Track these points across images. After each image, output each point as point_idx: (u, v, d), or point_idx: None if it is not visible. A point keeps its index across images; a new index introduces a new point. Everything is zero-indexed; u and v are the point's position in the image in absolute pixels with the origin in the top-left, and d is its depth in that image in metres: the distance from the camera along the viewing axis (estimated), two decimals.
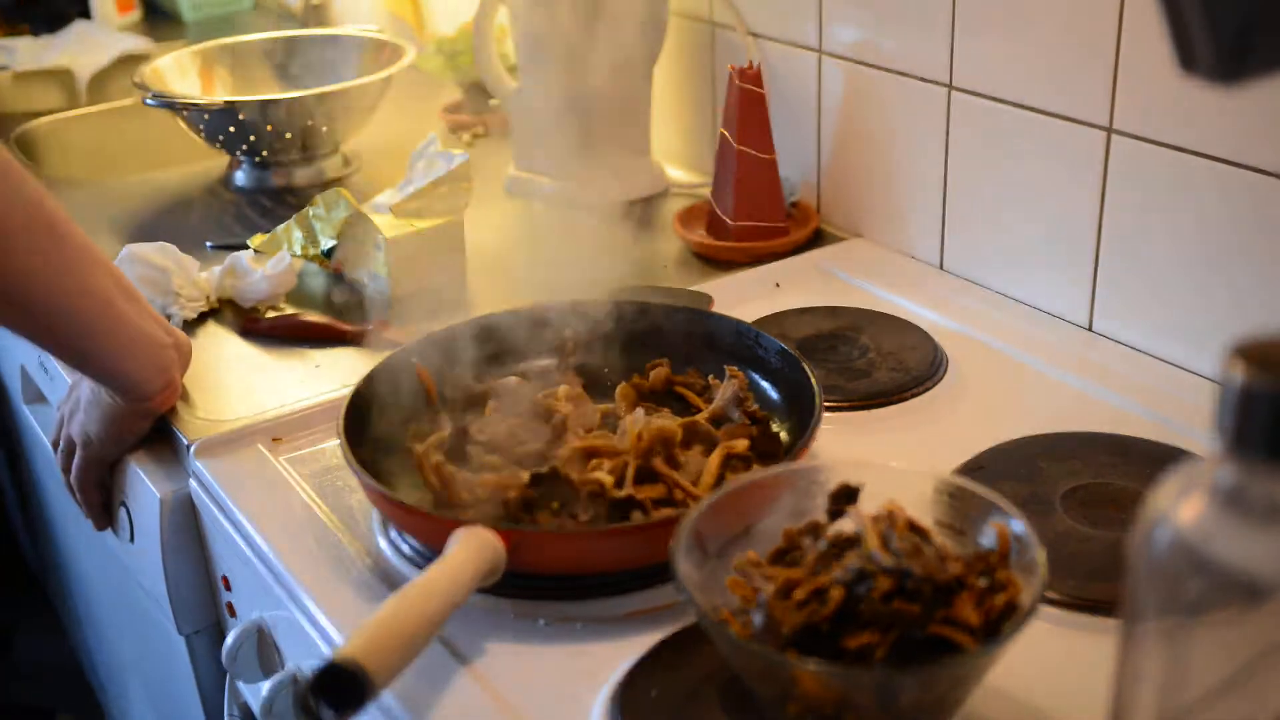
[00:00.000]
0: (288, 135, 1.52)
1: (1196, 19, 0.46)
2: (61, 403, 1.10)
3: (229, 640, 0.94)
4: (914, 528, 0.66)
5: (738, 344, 1.01)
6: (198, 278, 1.22)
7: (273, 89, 1.72)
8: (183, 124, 1.57)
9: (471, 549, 0.74)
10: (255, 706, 0.99)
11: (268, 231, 1.30)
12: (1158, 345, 1.06)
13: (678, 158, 1.57)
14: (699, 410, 0.94)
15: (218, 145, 1.56)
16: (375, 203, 1.29)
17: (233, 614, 1.02)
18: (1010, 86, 1.12)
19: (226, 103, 1.50)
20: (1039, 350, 1.09)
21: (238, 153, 1.57)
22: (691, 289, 1.14)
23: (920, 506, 0.69)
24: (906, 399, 1.03)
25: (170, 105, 1.52)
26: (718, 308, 1.07)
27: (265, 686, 0.88)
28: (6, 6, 2.27)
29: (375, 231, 1.24)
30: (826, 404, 0.93)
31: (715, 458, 0.87)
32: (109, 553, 1.25)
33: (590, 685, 0.73)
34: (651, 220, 1.44)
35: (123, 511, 1.09)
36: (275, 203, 1.52)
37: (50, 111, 1.85)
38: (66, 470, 1.09)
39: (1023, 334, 1.11)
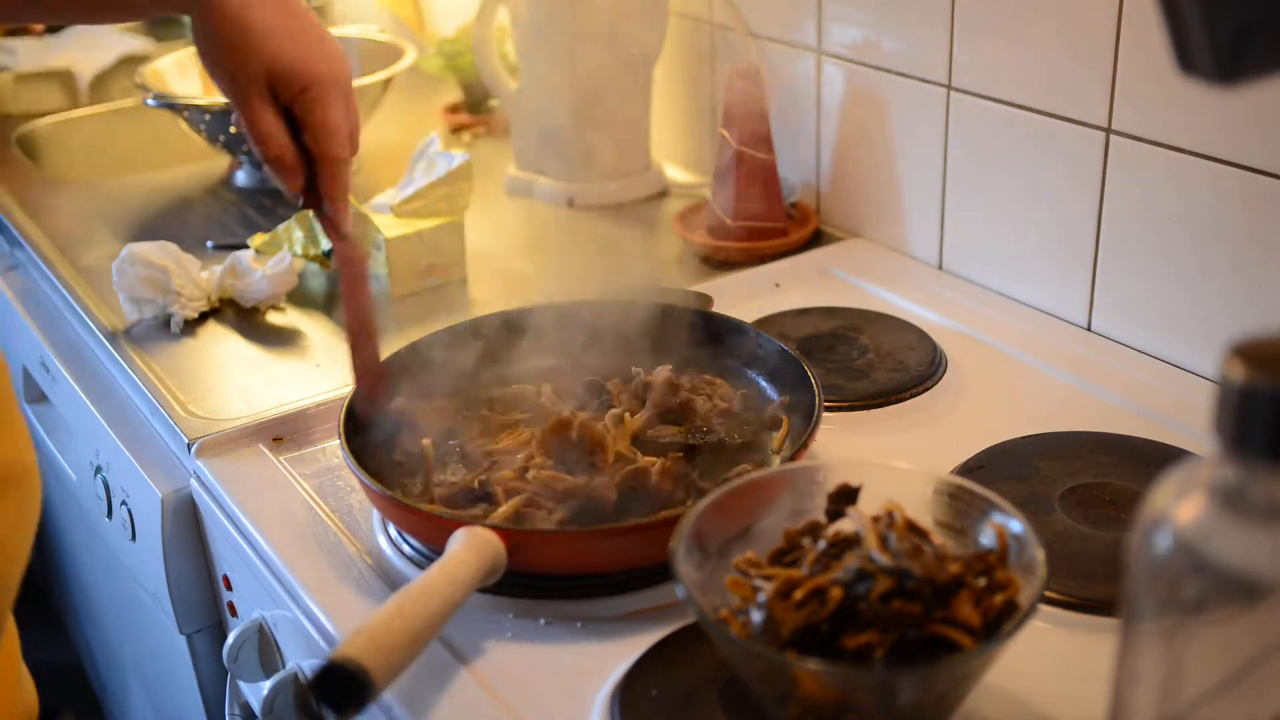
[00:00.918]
0: None
1: (1195, 20, 0.46)
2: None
3: (230, 640, 0.94)
4: (913, 528, 0.66)
5: (738, 344, 1.01)
6: (198, 277, 1.22)
7: None
8: (184, 124, 1.57)
9: (472, 549, 0.75)
10: (256, 706, 0.99)
11: (268, 231, 1.30)
12: (1156, 345, 1.06)
13: (678, 158, 1.57)
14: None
15: (219, 145, 1.56)
16: (375, 203, 1.29)
17: (234, 613, 1.02)
18: (1009, 87, 1.12)
19: (227, 104, 1.50)
20: (1038, 350, 1.09)
21: (239, 153, 1.57)
22: (691, 289, 1.14)
23: (919, 506, 0.69)
24: (906, 399, 1.03)
25: (171, 106, 1.52)
26: (718, 308, 1.07)
27: (266, 686, 0.88)
28: None
29: (375, 231, 1.24)
30: (826, 404, 0.93)
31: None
32: (110, 552, 1.25)
33: (590, 685, 0.73)
34: (651, 220, 1.44)
35: (123, 511, 1.09)
36: (276, 203, 1.52)
37: (51, 112, 1.85)
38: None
39: (1022, 334, 1.12)
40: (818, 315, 1.16)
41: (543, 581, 0.81)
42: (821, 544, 0.66)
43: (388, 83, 1.58)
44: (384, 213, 1.27)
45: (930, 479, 0.71)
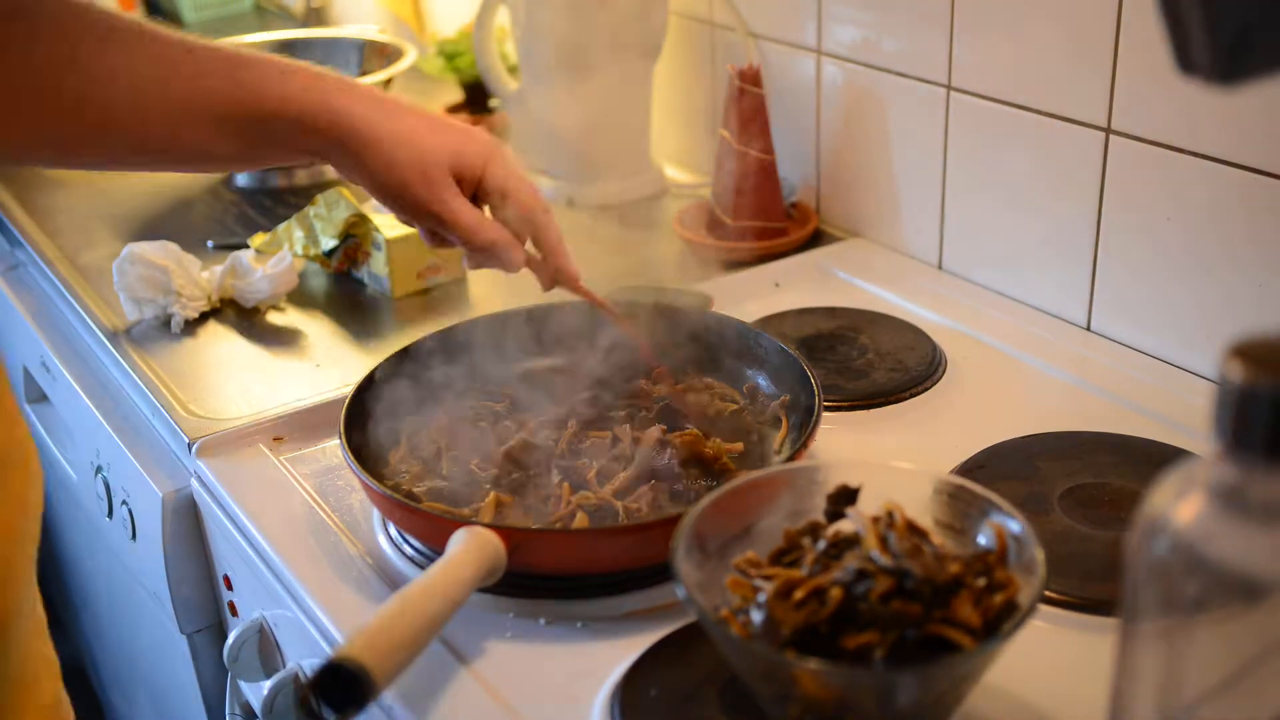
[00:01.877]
0: None
1: (1195, 20, 0.46)
2: None
3: (230, 639, 0.94)
4: (913, 528, 0.66)
5: (738, 344, 1.01)
6: (199, 277, 1.22)
7: None
8: None
9: (472, 549, 0.75)
10: (257, 706, 0.99)
11: (269, 231, 1.30)
12: (1156, 345, 1.06)
13: (678, 158, 1.57)
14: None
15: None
16: (376, 203, 1.29)
17: (234, 613, 1.02)
18: (1009, 87, 1.12)
19: None
20: (1038, 350, 1.09)
21: None
22: (691, 289, 1.14)
23: (919, 506, 0.69)
24: (905, 399, 1.03)
25: None
26: (718, 308, 1.07)
27: (266, 686, 0.88)
28: None
29: (375, 231, 1.24)
30: (826, 404, 0.93)
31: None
32: (110, 552, 1.25)
33: (590, 685, 0.73)
34: (651, 220, 1.44)
35: (124, 510, 1.09)
36: (276, 202, 1.52)
37: None
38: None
39: (1021, 334, 1.12)
40: (818, 315, 1.16)
41: (543, 581, 0.81)
42: (821, 544, 0.66)
43: (388, 83, 1.58)
44: (385, 212, 1.27)
45: (930, 479, 0.71)
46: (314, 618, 0.83)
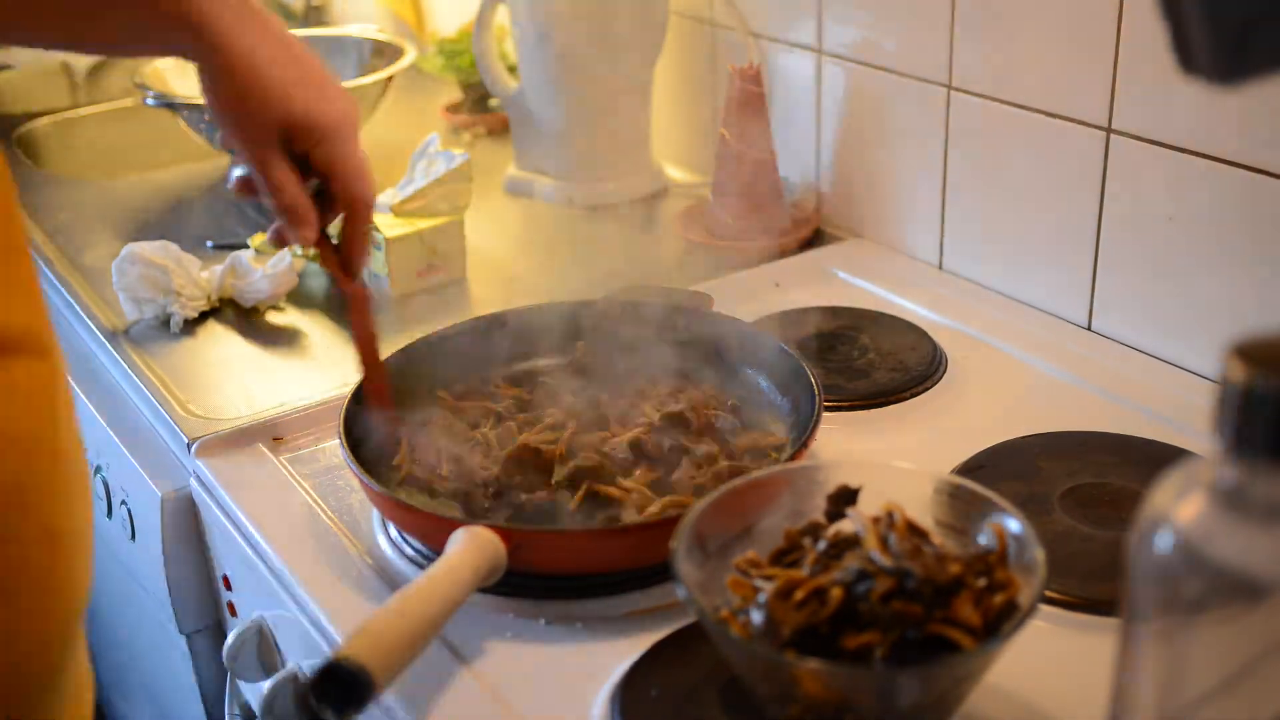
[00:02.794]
0: None
1: (1196, 19, 0.46)
2: None
3: (230, 639, 0.94)
4: (913, 528, 0.66)
5: (737, 344, 1.01)
6: (198, 277, 1.22)
7: None
8: (183, 124, 1.57)
9: (472, 549, 0.75)
10: (256, 706, 0.99)
11: (268, 231, 1.30)
12: (1157, 345, 1.06)
13: (678, 158, 1.57)
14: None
15: (219, 145, 1.56)
16: (375, 203, 1.29)
17: (233, 613, 1.02)
18: (1010, 86, 1.12)
19: None
20: (1039, 350, 1.09)
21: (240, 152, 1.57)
22: (691, 289, 1.14)
23: (920, 506, 0.69)
24: (906, 399, 1.03)
25: (171, 105, 1.52)
26: (718, 308, 1.07)
27: (266, 686, 0.88)
28: None
29: (375, 231, 1.24)
30: (826, 403, 0.93)
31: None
32: (110, 552, 1.25)
33: (590, 685, 0.73)
34: (651, 220, 1.44)
35: (123, 510, 1.09)
36: None
37: (51, 111, 1.85)
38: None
39: (1022, 334, 1.11)
40: (818, 315, 1.16)
41: (543, 581, 0.81)
42: (822, 544, 0.66)
43: (388, 83, 1.58)
44: (384, 212, 1.27)
45: (930, 479, 0.71)
46: (314, 618, 0.82)
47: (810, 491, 0.71)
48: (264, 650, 0.94)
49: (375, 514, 0.90)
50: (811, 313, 1.16)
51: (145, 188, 1.59)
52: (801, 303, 1.18)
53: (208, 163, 1.65)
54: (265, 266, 1.23)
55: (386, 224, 1.25)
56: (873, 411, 1.02)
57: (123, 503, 1.09)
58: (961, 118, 1.17)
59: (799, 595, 0.63)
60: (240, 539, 0.92)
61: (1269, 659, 0.48)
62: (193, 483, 1.00)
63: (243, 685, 1.03)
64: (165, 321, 1.20)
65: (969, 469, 0.91)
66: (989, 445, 0.94)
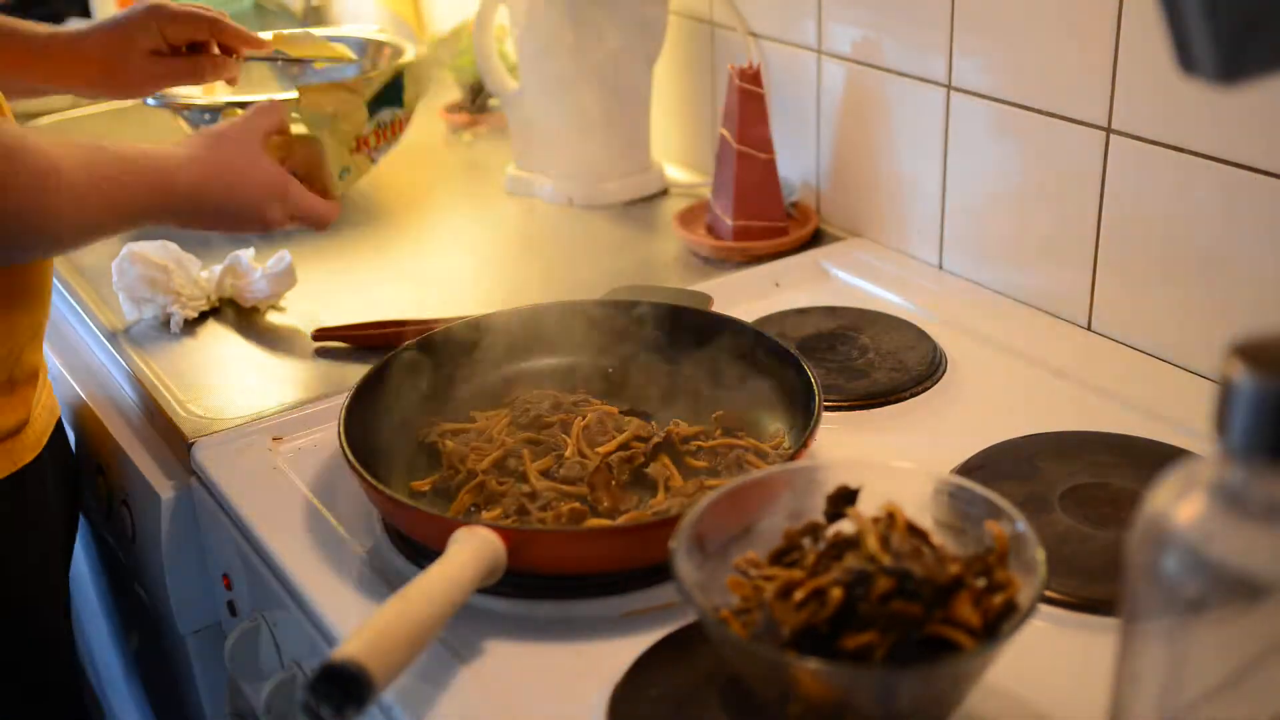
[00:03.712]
0: None
1: (1196, 19, 0.46)
2: None
3: (230, 639, 0.94)
4: (913, 529, 0.66)
5: (737, 344, 1.01)
6: (198, 277, 1.22)
7: (273, 89, 1.72)
8: (183, 124, 1.56)
9: (472, 549, 0.74)
10: (257, 706, 0.99)
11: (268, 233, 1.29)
12: (1157, 345, 1.06)
13: (678, 158, 1.57)
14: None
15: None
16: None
17: (233, 613, 1.02)
18: (1009, 86, 1.12)
19: (228, 103, 1.50)
20: (1039, 350, 1.09)
21: None
22: (691, 289, 1.14)
23: (920, 506, 0.69)
24: (905, 399, 1.03)
25: (171, 106, 1.52)
26: (718, 308, 1.07)
27: (266, 686, 0.88)
28: (7, 7, 2.27)
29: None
30: (826, 403, 0.93)
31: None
32: (110, 551, 1.25)
33: (590, 685, 0.73)
34: (651, 220, 1.44)
35: (123, 511, 1.09)
36: None
37: (50, 111, 1.85)
38: None
39: (1022, 334, 1.11)
40: (818, 315, 1.16)
41: (543, 581, 0.81)
42: (821, 544, 0.66)
43: None
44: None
45: (930, 479, 0.71)
46: (314, 617, 0.82)
47: (810, 491, 0.71)
48: (264, 650, 0.94)
49: (375, 514, 0.90)
50: (811, 313, 1.16)
51: None
52: (801, 303, 1.18)
53: None
54: (265, 266, 1.23)
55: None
56: (873, 411, 1.02)
57: (123, 503, 1.09)
58: (962, 117, 1.17)
59: (799, 595, 0.63)
60: (240, 539, 0.92)
61: (1269, 659, 0.48)
62: (193, 482, 1.00)
63: (243, 685, 1.03)
64: (165, 321, 1.20)
65: (969, 469, 0.91)
66: (989, 445, 0.94)
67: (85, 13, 2.27)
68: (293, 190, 1.03)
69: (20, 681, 1.04)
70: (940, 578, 0.62)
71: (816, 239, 1.34)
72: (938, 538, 0.68)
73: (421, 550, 0.85)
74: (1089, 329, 1.11)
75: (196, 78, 1.18)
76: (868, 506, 0.68)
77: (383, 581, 0.84)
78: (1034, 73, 1.09)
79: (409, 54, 1.63)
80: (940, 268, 1.25)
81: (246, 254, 1.25)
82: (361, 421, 0.91)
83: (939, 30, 1.16)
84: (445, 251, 1.41)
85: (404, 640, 0.68)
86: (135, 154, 0.92)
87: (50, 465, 1.03)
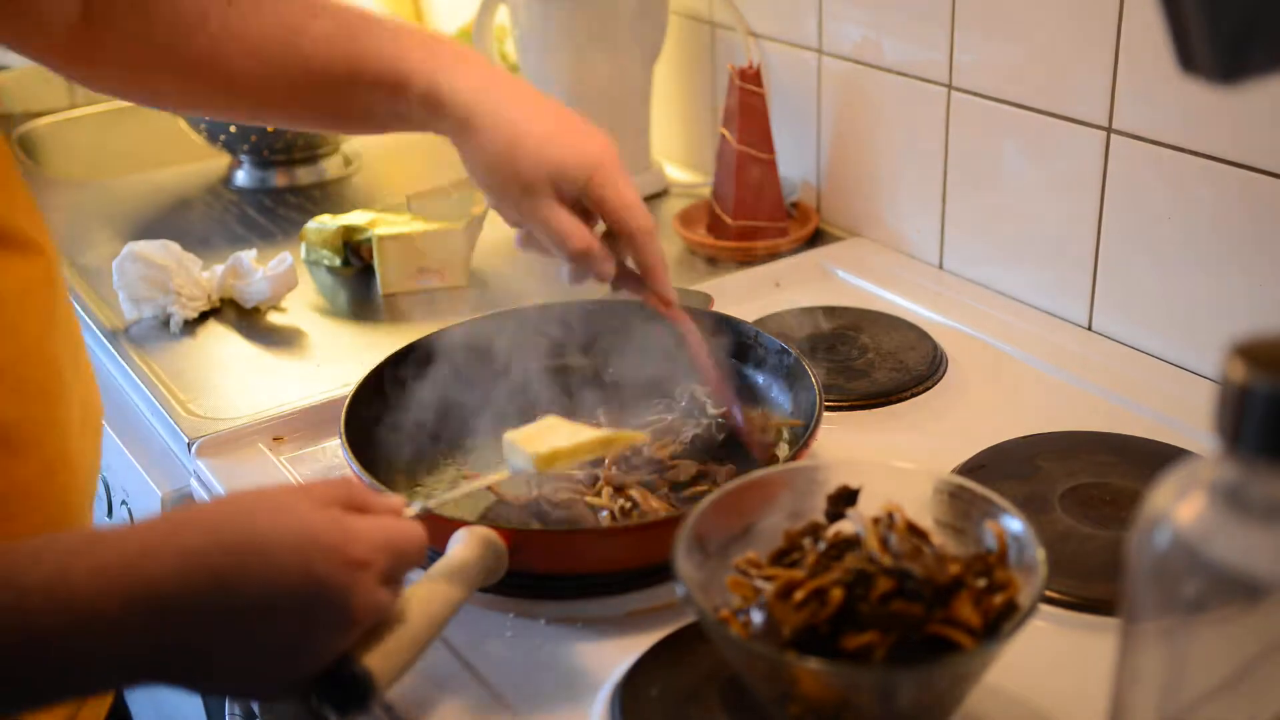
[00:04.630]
0: (289, 135, 1.52)
1: (1196, 19, 0.46)
2: None
3: None
4: (913, 529, 0.66)
5: (737, 343, 1.01)
6: (199, 277, 1.22)
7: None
8: (184, 124, 1.57)
9: (474, 549, 0.74)
10: (256, 706, 0.99)
11: (268, 233, 1.31)
12: (1157, 344, 1.06)
13: (678, 158, 1.57)
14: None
15: (219, 145, 1.56)
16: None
17: None
18: (1010, 86, 1.12)
19: None
20: (1039, 350, 1.09)
21: (239, 153, 1.57)
22: (691, 289, 1.14)
23: (920, 506, 0.69)
24: (906, 399, 1.03)
25: None
26: (718, 307, 1.07)
27: None
28: None
29: (370, 230, 1.25)
30: (826, 403, 0.93)
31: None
32: None
33: (590, 685, 0.73)
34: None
35: (123, 510, 1.09)
36: (276, 202, 1.52)
37: (50, 111, 1.85)
38: None
39: (1022, 334, 1.11)
40: (818, 315, 1.16)
41: (543, 581, 0.81)
42: (822, 545, 0.66)
43: None
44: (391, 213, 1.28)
45: (930, 479, 0.71)
46: None
47: (810, 491, 0.71)
48: None
49: None
50: (811, 312, 1.16)
51: (145, 188, 1.59)
52: (801, 303, 1.18)
53: (208, 163, 1.65)
54: (266, 267, 1.23)
55: (389, 218, 1.25)
56: (873, 411, 1.02)
57: (123, 503, 1.09)
58: (962, 117, 1.17)
59: (799, 595, 0.63)
60: None
61: (1269, 659, 0.48)
62: (193, 483, 1.00)
63: None
64: (165, 321, 1.20)
65: (969, 469, 0.91)
66: (989, 445, 0.94)
67: None
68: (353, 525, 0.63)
69: None
70: (940, 578, 0.62)
71: (816, 239, 1.34)
72: (938, 538, 0.68)
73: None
74: (1089, 329, 1.11)
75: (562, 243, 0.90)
76: (868, 506, 0.68)
77: None
78: (1034, 73, 1.09)
79: None
80: (940, 267, 1.25)
81: (248, 255, 1.24)
82: (362, 421, 0.91)
83: (939, 30, 1.16)
84: None
85: (406, 641, 0.67)
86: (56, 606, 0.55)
87: None
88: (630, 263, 0.94)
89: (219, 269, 1.23)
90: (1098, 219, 1.08)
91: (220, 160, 1.63)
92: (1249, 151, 0.94)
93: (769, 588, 0.64)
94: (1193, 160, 0.98)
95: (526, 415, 0.95)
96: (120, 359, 1.15)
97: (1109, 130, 1.04)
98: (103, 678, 0.63)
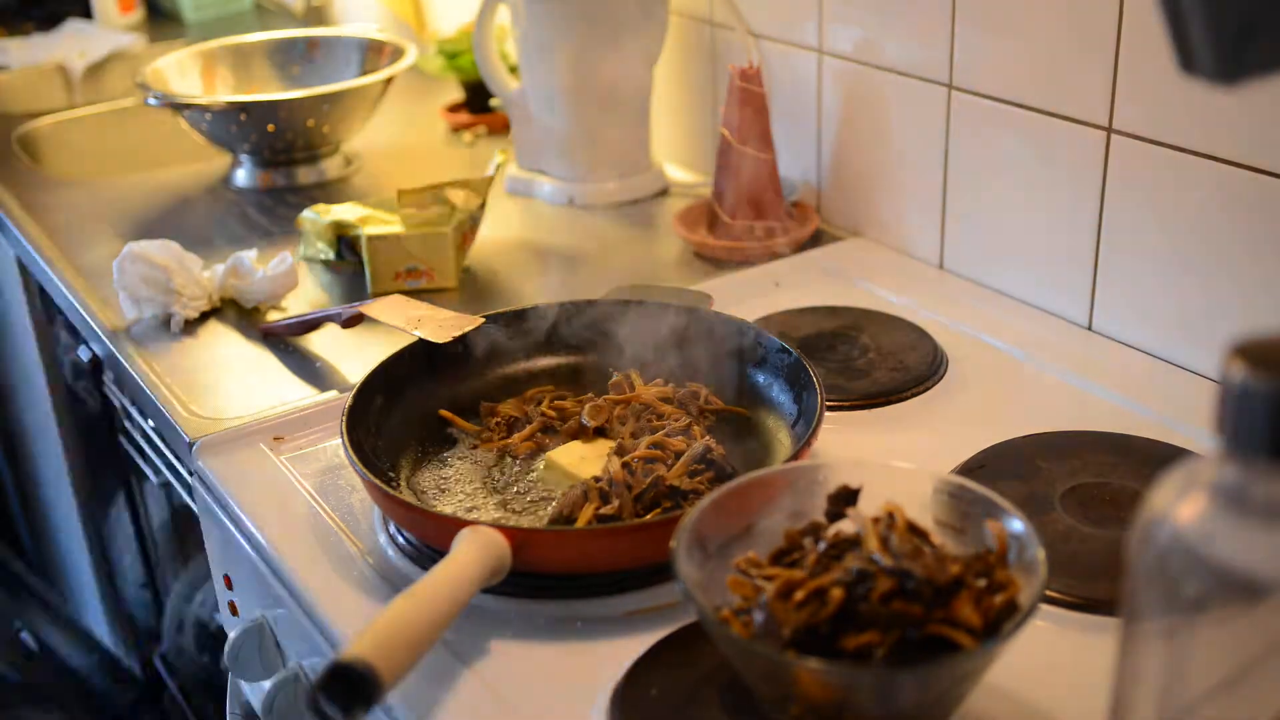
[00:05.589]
0: (289, 135, 1.53)
1: (1196, 19, 0.46)
2: None
3: (230, 639, 0.94)
4: (913, 529, 0.66)
5: (738, 343, 1.01)
6: (200, 277, 1.22)
7: (274, 89, 1.72)
8: (184, 124, 1.57)
9: (476, 548, 0.75)
10: (257, 706, 0.99)
11: (268, 233, 1.31)
12: (1157, 344, 1.06)
13: (678, 158, 1.57)
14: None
15: (219, 145, 1.56)
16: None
17: (234, 613, 1.02)
18: (1010, 86, 1.12)
19: (228, 103, 1.51)
20: (1039, 350, 1.09)
21: (239, 152, 1.57)
22: (691, 289, 1.14)
23: (920, 506, 0.69)
24: (906, 398, 1.03)
25: (172, 105, 1.53)
26: (718, 307, 1.07)
27: (267, 686, 0.88)
28: (7, 8, 2.27)
29: (358, 228, 1.25)
30: (826, 403, 0.93)
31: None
32: None
33: (590, 685, 0.73)
34: (651, 220, 1.44)
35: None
36: (276, 202, 1.52)
37: (50, 111, 1.85)
38: None
39: (1023, 333, 1.11)
40: (818, 315, 1.16)
41: (543, 581, 0.81)
42: (822, 544, 0.66)
43: (388, 83, 1.58)
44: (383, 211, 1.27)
45: (930, 479, 0.71)
46: (314, 617, 0.82)
47: (811, 491, 0.71)
48: (265, 650, 0.94)
49: (376, 513, 0.90)
50: (812, 312, 1.16)
51: (145, 187, 1.59)
52: (801, 303, 1.18)
53: (208, 163, 1.65)
54: (266, 267, 1.23)
55: (381, 215, 1.24)
56: (873, 411, 1.02)
57: None
58: (962, 117, 1.18)
59: (799, 595, 0.63)
60: (241, 539, 0.92)
61: (1269, 659, 0.48)
62: (194, 482, 1.00)
63: (243, 685, 1.03)
64: (165, 321, 1.20)
65: (969, 469, 0.91)
66: (989, 445, 0.94)
67: (86, 13, 2.27)
68: None
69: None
70: (941, 578, 0.62)
71: (816, 239, 1.34)
72: (938, 538, 0.68)
73: (422, 549, 0.85)
74: (1090, 329, 1.12)
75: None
76: (868, 506, 0.68)
77: (384, 581, 0.84)
78: (1034, 72, 1.09)
79: (410, 54, 1.63)
80: (941, 267, 1.25)
81: (249, 255, 1.25)
82: (364, 421, 0.91)
83: (940, 29, 1.16)
84: None
85: (411, 640, 0.68)
86: None
87: None
88: None
89: (219, 269, 1.23)
90: (1098, 219, 1.08)
91: (221, 160, 1.64)
92: (1249, 151, 0.94)
93: (769, 587, 0.64)
94: (1193, 160, 0.98)
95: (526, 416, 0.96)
96: (120, 359, 1.15)
97: (1109, 130, 1.04)
98: None
